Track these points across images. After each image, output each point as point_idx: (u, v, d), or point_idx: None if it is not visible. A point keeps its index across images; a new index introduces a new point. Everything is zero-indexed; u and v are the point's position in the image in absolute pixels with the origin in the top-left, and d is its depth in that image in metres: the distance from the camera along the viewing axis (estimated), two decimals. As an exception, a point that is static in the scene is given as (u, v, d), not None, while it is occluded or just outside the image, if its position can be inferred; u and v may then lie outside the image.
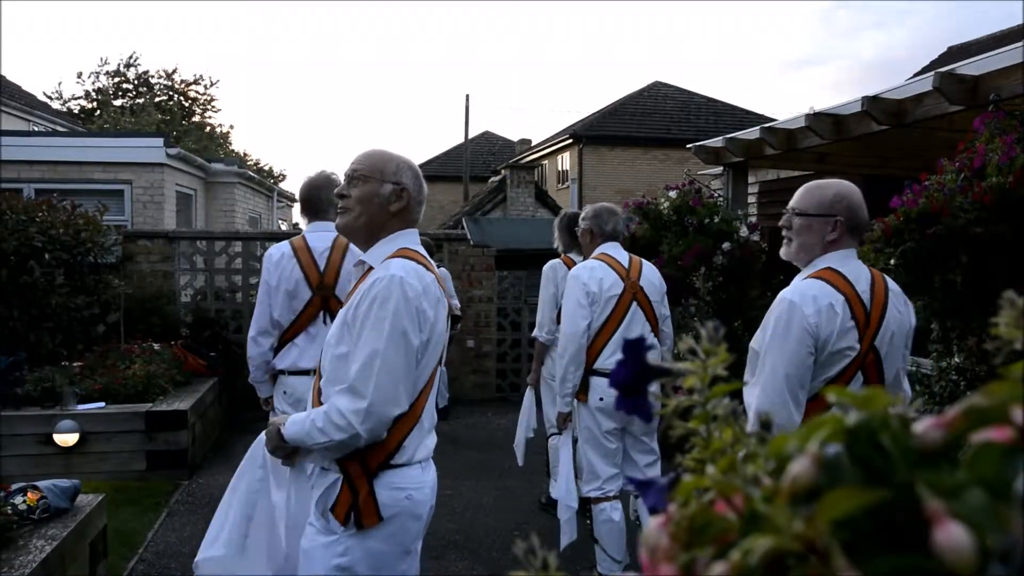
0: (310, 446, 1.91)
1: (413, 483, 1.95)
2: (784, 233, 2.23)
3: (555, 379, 4.74)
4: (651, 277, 3.68)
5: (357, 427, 1.81)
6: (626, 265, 3.64)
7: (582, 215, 3.88)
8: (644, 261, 3.75)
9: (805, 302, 2.08)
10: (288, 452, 2.03)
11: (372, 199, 1.99)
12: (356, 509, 1.87)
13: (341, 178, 2.12)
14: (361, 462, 1.89)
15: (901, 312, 2.19)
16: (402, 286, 1.86)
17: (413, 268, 1.93)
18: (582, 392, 3.63)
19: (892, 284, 2.24)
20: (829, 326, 2.07)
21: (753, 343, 2.18)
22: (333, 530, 1.91)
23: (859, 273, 2.17)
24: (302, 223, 3.63)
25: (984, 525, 0.34)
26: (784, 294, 2.14)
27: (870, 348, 2.13)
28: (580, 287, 3.53)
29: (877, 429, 0.39)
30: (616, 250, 3.69)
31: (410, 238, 2.05)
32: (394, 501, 1.90)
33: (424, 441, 2.00)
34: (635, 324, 3.57)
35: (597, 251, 3.70)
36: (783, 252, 2.26)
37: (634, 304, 3.58)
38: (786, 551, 0.37)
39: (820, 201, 2.16)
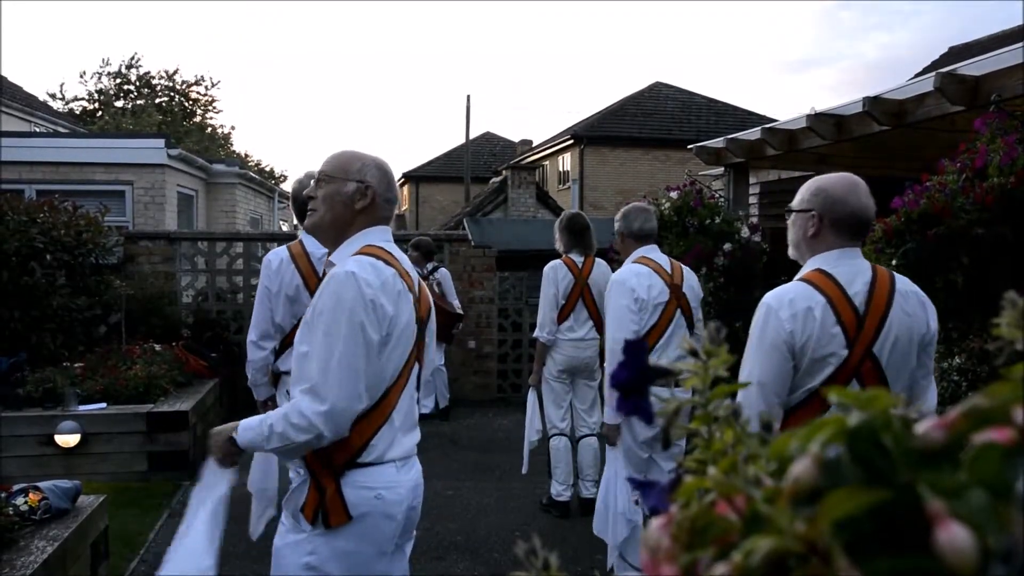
0: (268, 451, 1.89)
1: (384, 483, 1.91)
2: None
3: (554, 379, 4.79)
4: (692, 283, 3.59)
5: (321, 428, 1.78)
6: (669, 270, 3.54)
7: (616, 217, 3.75)
8: (683, 266, 3.65)
9: (781, 306, 1.99)
10: (236, 460, 1.93)
11: (336, 197, 2.00)
12: (324, 508, 1.86)
13: None
14: (326, 461, 1.87)
15: (910, 315, 2.02)
16: (356, 281, 1.84)
17: (369, 263, 1.90)
18: None
19: (903, 285, 2.06)
20: (806, 331, 1.96)
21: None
22: (302, 529, 1.90)
23: (855, 274, 2.02)
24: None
25: (985, 525, 0.34)
26: (764, 297, 2.04)
27: (866, 355, 1.98)
28: (628, 293, 3.39)
29: (879, 429, 0.39)
30: (656, 253, 3.60)
31: (377, 235, 2.03)
32: (363, 500, 1.88)
33: (398, 440, 1.95)
34: (677, 332, 3.48)
35: (637, 254, 3.58)
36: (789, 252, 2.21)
37: (678, 312, 3.50)
38: (788, 552, 0.37)
39: (801, 196, 2.11)
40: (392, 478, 1.93)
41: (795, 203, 2.13)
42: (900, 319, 2.01)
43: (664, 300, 3.46)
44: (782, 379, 1.99)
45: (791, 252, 2.17)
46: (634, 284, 3.42)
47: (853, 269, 2.04)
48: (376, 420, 1.89)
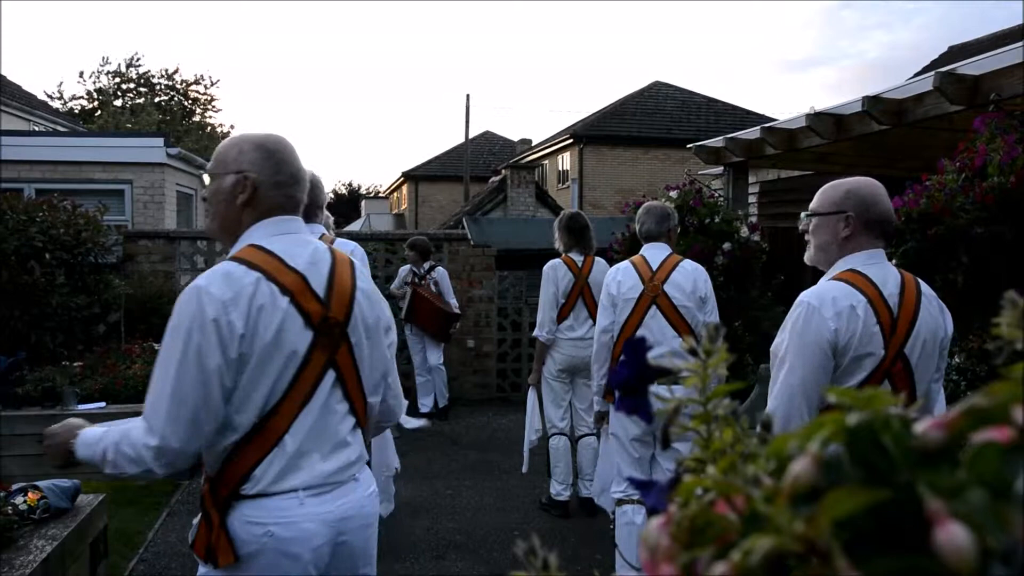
0: (105, 471, 1.67)
1: (276, 517, 1.65)
2: (805, 237, 2.19)
3: (554, 378, 4.79)
4: (680, 280, 3.53)
5: (150, 463, 1.60)
6: (654, 267, 3.55)
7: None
8: (684, 264, 3.60)
9: (824, 304, 2.00)
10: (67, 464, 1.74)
11: (218, 196, 1.77)
12: (211, 545, 1.65)
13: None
14: (212, 490, 1.67)
15: (934, 317, 2.08)
16: (198, 297, 1.61)
17: (224, 273, 1.65)
18: (609, 393, 3.62)
19: (926, 288, 2.12)
20: (850, 329, 1.99)
21: (772, 347, 2.11)
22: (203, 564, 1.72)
23: (886, 275, 2.07)
24: None
25: (985, 525, 0.34)
26: (803, 296, 2.06)
27: (898, 355, 2.02)
28: (605, 289, 3.66)
29: (878, 429, 0.39)
30: (652, 251, 3.63)
31: (264, 230, 1.75)
32: (252, 537, 1.64)
33: (304, 466, 1.68)
34: (653, 328, 3.46)
35: (640, 252, 3.70)
36: (806, 256, 2.20)
37: (653, 307, 3.49)
38: (787, 551, 0.37)
39: (831, 198, 2.11)
40: (290, 512, 1.66)
41: (821, 206, 2.12)
42: (926, 321, 2.06)
43: (634, 296, 3.52)
44: (823, 376, 2.01)
45: (814, 256, 2.17)
46: (609, 280, 3.65)
47: (884, 272, 2.09)
48: (261, 446, 1.65)
